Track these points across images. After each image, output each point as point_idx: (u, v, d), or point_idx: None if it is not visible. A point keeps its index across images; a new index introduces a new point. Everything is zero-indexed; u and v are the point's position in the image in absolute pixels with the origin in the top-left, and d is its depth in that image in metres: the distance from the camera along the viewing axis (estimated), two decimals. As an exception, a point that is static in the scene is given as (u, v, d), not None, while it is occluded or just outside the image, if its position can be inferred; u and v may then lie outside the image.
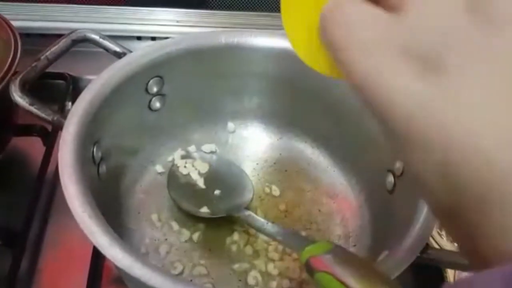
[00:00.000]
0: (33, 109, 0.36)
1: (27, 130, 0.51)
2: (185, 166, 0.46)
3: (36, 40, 0.63)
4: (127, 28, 0.64)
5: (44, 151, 0.50)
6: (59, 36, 0.63)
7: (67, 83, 0.58)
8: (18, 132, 0.51)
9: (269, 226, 0.38)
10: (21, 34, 0.47)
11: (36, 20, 0.63)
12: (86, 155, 0.35)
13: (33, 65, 0.38)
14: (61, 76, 0.58)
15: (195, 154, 0.48)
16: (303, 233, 0.43)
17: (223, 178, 0.46)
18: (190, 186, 0.45)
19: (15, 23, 0.50)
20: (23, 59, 0.44)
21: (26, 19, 0.62)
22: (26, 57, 0.44)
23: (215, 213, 0.43)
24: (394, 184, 0.40)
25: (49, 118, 0.35)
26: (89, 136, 0.36)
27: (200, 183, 0.45)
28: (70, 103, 0.57)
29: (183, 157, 0.47)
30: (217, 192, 0.45)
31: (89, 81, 0.38)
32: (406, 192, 0.37)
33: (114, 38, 0.63)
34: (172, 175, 0.46)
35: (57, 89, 0.58)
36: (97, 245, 0.28)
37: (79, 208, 0.30)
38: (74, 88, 0.59)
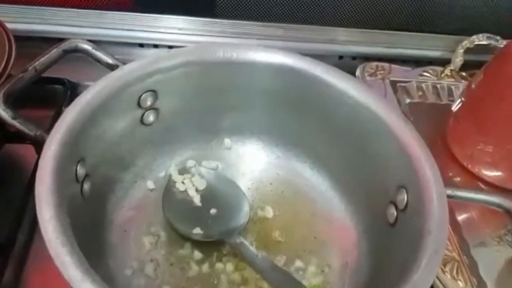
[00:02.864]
0: (15, 123, 0.34)
1: (20, 137, 0.49)
2: (183, 182, 0.45)
3: (36, 43, 0.62)
4: (130, 34, 0.63)
5: (36, 159, 0.49)
6: (61, 40, 0.62)
7: (65, 88, 0.57)
8: (10, 138, 0.49)
9: (260, 260, 0.36)
10: (20, 37, 0.46)
11: (37, 24, 0.61)
12: (68, 174, 0.34)
13: (20, 76, 0.36)
14: (59, 81, 0.57)
15: (193, 170, 0.46)
16: (297, 262, 0.41)
17: (220, 197, 0.44)
18: (185, 203, 0.44)
19: (12, 26, 0.48)
20: (21, 62, 0.42)
21: (25, 22, 0.61)
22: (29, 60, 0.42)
23: (207, 237, 0.41)
24: (396, 218, 0.37)
25: (32, 133, 0.34)
26: (72, 154, 0.34)
27: (197, 200, 0.44)
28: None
29: (180, 172, 0.45)
30: (213, 211, 0.43)
31: (88, 87, 0.37)
32: (409, 227, 0.35)
33: (116, 44, 0.63)
34: (168, 192, 0.44)
35: (54, 94, 0.57)
36: (67, 278, 0.26)
37: (52, 234, 0.28)
38: (72, 94, 0.58)
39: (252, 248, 0.38)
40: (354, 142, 0.42)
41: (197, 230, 0.41)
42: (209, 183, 0.45)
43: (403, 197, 0.37)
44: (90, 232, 0.38)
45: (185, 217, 0.42)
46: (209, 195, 0.44)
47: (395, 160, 0.38)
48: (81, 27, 0.62)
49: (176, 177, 0.45)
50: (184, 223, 0.42)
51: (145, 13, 0.62)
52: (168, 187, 0.44)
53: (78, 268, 0.27)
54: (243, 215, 0.42)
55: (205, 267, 0.40)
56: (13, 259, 0.42)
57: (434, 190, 0.34)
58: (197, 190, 0.44)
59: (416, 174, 0.36)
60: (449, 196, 0.35)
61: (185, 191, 0.44)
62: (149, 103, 0.41)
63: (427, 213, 0.33)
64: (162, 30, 0.63)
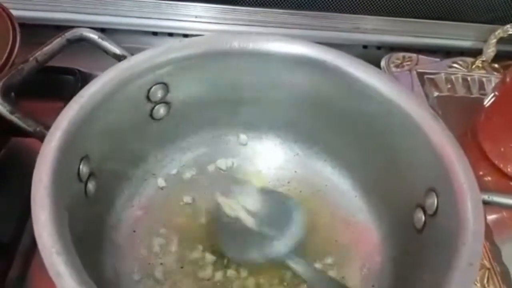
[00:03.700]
0: (13, 118, 0.32)
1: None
2: (230, 206, 0.41)
3: (48, 32, 0.60)
4: (143, 22, 0.60)
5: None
6: (72, 28, 0.60)
7: (76, 79, 0.55)
8: (16, 131, 0.47)
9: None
10: (30, 25, 0.44)
11: (47, 11, 0.59)
12: (70, 173, 0.31)
13: (19, 67, 0.34)
14: (70, 71, 0.55)
15: (237, 189, 0.42)
16: (316, 265, 0.38)
17: (273, 214, 0.40)
18: (237, 228, 0.40)
19: (20, 13, 0.46)
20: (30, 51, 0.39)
21: (34, 9, 0.58)
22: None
23: (270, 260, 0.38)
24: (425, 223, 0.34)
25: (31, 129, 0.32)
26: (75, 151, 0.32)
27: (250, 222, 0.40)
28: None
29: (226, 195, 0.42)
30: (269, 232, 0.39)
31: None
32: (440, 235, 0.32)
33: (129, 32, 0.61)
34: (220, 223, 0.40)
35: (65, 85, 0.55)
36: (61, 290, 0.24)
37: (47, 241, 0.26)
38: (83, 84, 0.55)
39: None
40: (379, 139, 0.39)
41: (255, 254, 0.38)
42: (260, 201, 0.41)
43: (432, 201, 0.34)
44: (96, 233, 0.36)
45: (240, 242, 0.39)
46: (262, 215, 0.40)
47: (425, 160, 0.35)
48: (93, 14, 0.60)
49: (222, 200, 0.41)
50: (240, 249, 0.39)
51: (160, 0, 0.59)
52: (216, 212, 0.41)
53: (74, 280, 0.24)
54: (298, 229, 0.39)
55: (218, 273, 0.37)
56: (18, 259, 0.40)
57: (469, 195, 0.31)
58: (248, 211, 0.40)
59: (448, 176, 0.32)
60: (485, 202, 0.32)
61: (235, 214, 0.40)
62: (159, 96, 0.38)
63: (461, 221, 0.30)
64: (178, 17, 0.60)
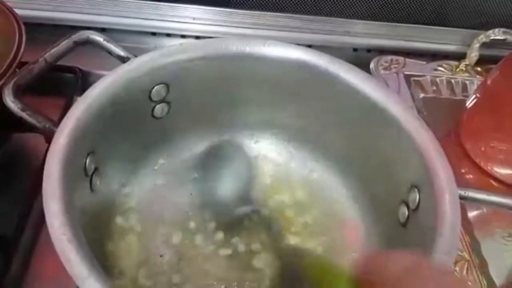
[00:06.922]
0: (24, 115, 0.34)
1: (29, 126, 0.49)
2: None
3: (48, 30, 0.62)
4: (142, 23, 0.62)
5: (45, 148, 0.48)
6: (73, 27, 0.62)
7: (77, 77, 0.56)
8: (19, 128, 0.49)
9: None
10: (31, 23, 0.45)
11: (49, 11, 0.61)
12: (77, 167, 0.33)
13: (30, 67, 0.36)
14: (70, 69, 0.56)
15: None
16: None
17: None
18: None
19: (23, 12, 0.48)
20: (32, 48, 0.42)
21: (37, 8, 0.60)
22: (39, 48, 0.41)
23: None
24: (408, 217, 0.37)
25: (41, 125, 0.34)
26: (82, 148, 0.34)
27: None
28: (78, 98, 0.56)
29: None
30: None
31: (100, 76, 0.37)
32: (421, 228, 0.34)
33: (128, 32, 0.63)
34: None
35: (65, 83, 0.56)
36: (72, 275, 0.26)
37: (59, 229, 0.28)
38: (83, 82, 0.57)
39: None
40: (367, 140, 0.41)
41: None
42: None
43: (415, 197, 0.36)
44: (99, 228, 0.38)
45: None
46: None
47: (409, 159, 0.37)
48: (93, 14, 0.61)
49: None
50: None
51: (159, 1, 0.61)
52: None
53: (84, 265, 0.26)
54: None
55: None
56: (20, 253, 0.42)
57: (447, 191, 0.33)
58: None
59: (428, 173, 0.35)
60: (461, 197, 0.34)
61: None
62: (160, 96, 0.41)
63: (439, 214, 0.32)
64: (176, 19, 0.62)
